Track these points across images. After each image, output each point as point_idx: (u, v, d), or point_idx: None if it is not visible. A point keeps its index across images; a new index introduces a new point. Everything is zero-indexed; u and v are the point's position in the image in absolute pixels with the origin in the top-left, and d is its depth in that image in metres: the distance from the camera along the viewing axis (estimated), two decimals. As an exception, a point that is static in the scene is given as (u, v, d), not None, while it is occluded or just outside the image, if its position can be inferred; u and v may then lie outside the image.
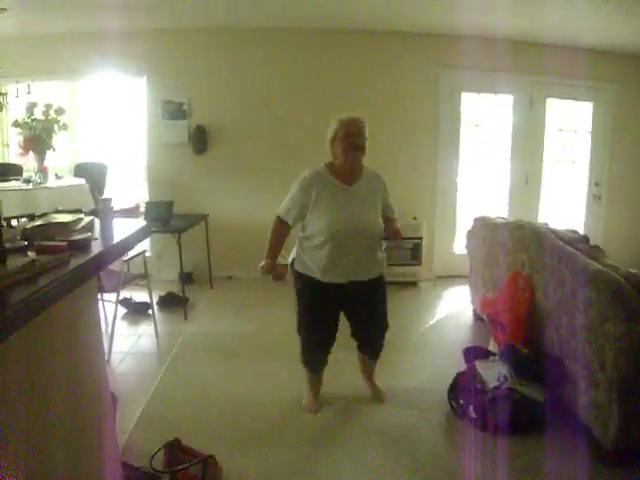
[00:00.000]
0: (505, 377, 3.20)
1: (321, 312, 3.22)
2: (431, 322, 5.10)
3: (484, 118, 6.70)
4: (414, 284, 6.23)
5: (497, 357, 3.49)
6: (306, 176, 3.11)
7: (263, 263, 3.15)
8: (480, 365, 3.40)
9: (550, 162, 6.84)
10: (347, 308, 3.25)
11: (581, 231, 3.80)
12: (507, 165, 6.75)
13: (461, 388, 3.32)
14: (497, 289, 4.26)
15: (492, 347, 3.88)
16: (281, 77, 6.32)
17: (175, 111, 6.28)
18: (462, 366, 3.56)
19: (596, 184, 6.88)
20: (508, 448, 2.94)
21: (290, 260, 3.30)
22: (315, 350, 3.33)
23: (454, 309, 5.46)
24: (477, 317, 5.01)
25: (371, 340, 3.40)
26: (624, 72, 6.63)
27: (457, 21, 5.59)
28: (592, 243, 3.49)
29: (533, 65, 6.35)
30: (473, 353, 3.66)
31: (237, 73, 6.27)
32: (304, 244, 3.16)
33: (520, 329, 3.58)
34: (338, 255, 3.02)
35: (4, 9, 4.93)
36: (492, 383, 3.20)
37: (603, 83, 6.59)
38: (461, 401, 3.28)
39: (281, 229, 3.17)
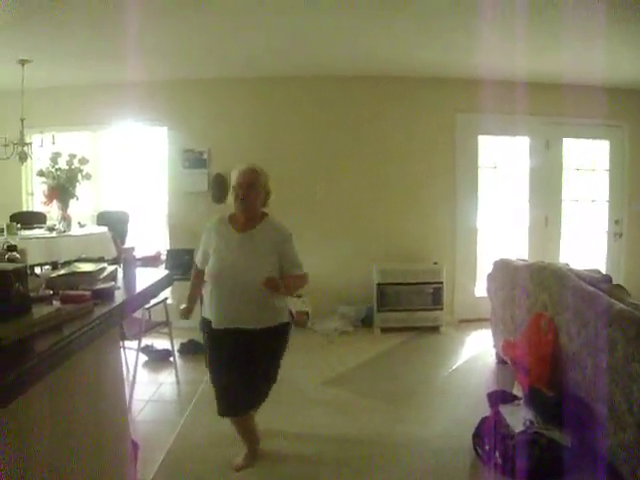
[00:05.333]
0: (531, 421, 3.14)
1: (217, 356, 3.19)
2: (454, 366, 5.03)
3: (501, 160, 6.73)
4: (436, 329, 6.17)
5: (522, 401, 3.43)
6: (209, 223, 3.29)
7: (182, 306, 3.38)
8: (505, 409, 3.35)
9: (569, 202, 6.83)
10: (240, 354, 3.09)
11: (603, 270, 3.76)
12: (526, 206, 6.75)
13: (486, 433, 3.26)
14: (519, 331, 4.21)
15: (516, 390, 3.81)
16: (300, 125, 6.43)
17: (195, 160, 6.40)
18: (486, 411, 3.50)
19: (616, 222, 6.85)
20: (536, 495, 2.87)
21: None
22: (219, 393, 3.19)
23: (477, 353, 5.39)
24: (500, 360, 4.94)
25: (248, 389, 3.13)
26: (637, 109, 6.67)
27: (474, 66, 5.71)
28: (614, 282, 3.46)
29: (548, 106, 6.41)
30: (497, 397, 3.60)
31: (256, 122, 6.39)
32: (207, 287, 3.23)
33: (544, 372, 3.53)
34: (222, 298, 3.09)
35: (27, 60, 5.14)
36: (518, 428, 3.14)
37: (617, 121, 6.65)
38: (487, 446, 3.21)
39: (195, 273, 3.40)
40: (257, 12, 4.25)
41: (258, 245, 3.11)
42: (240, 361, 3.09)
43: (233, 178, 3.18)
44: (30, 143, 5.53)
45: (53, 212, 5.62)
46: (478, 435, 3.31)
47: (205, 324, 3.22)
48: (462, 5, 4.09)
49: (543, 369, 3.54)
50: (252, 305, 3.05)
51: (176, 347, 5.01)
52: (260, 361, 3.13)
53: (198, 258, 3.31)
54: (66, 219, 5.28)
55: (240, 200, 3.10)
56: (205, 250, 3.23)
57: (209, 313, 3.16)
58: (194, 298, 3.45)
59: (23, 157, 5.45)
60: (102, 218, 6.21)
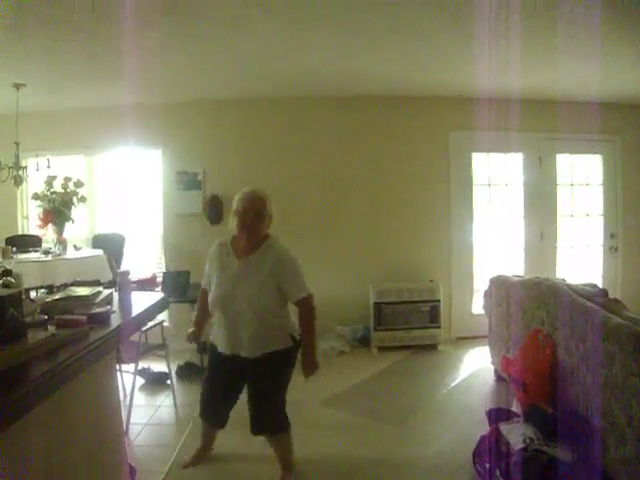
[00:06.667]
0: (531, 438, 3.12)
1: (214, 377, 3.31)
2: (452, 384, 5.01)
3: (495, 177, 6.76)
4: (433, 347, 6.14)
5: (521, 418, 3.41)
6: (212, 247, 3.28)
7: (190, 330, 3.34)
8: (504, 427, 3.33)
9: (564, 217, 6.85)
10: (241, 381, 3.22)
11: (599, 284, 3.76)
12: (521, 222, 6.77)
13: (486, 451, 3.24)
14: (517, 348, 4.20)
15: (515, 407, 3.79)
16: (294, 146, 6.45)
17: (190, 182, 6.40)
18: (486, 428, 3.48)
19: (611, 236, 6.87)
20: (538, 513, 2.84)
21: None
22: (207, 401, 3.36)
23: (475, 370, 5.37)
24: (499, 377, 4.92)
25: (254, 415, 3.17)
26: (628, 122, 6.73)
27: (466, 84, 5.75)
28: (611, 295, 3.46)
29: (541, 122, 6.45)
30: (496, 414, 3.58)
31: (251, 143, 6.41)
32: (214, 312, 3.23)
33: (543, 388, 3.51)
34: (221, 324, 3.11)
35: (22, 84, 5.16)
36: (518, 445, 3.11)
37: (609, 135, 6.69)
38: (487, 465, 3.19)
39: (201, 297, 3.36)
40: (250, 35, 4.28)
41: (257, 271, 3.04)
42: (235, 386, 3.22)
43: (236, 203, 3.11)
44: (25, 167, 5.55)
45: (48, 235, 5.61)
46: (478, 453, 3.29)
47: (210, 347, 3.27)
48: (454, 24, 4.11)
49: (542, 385, 3.53)
50: (251, 333, 3.02)
51: (173, 370, 4.98)
52: (257, 387, 3.16)
53: (204, 280, 3.30)
54: (61, 242, 5.28)
55: (246, 228, 3.05)
56: (209, 273, 3.23)
57: (214, 337, 3.21)
58: (200, 321, 3.38)
59: (18, 181, 5.46)
60: (97, 241, 6.20)
